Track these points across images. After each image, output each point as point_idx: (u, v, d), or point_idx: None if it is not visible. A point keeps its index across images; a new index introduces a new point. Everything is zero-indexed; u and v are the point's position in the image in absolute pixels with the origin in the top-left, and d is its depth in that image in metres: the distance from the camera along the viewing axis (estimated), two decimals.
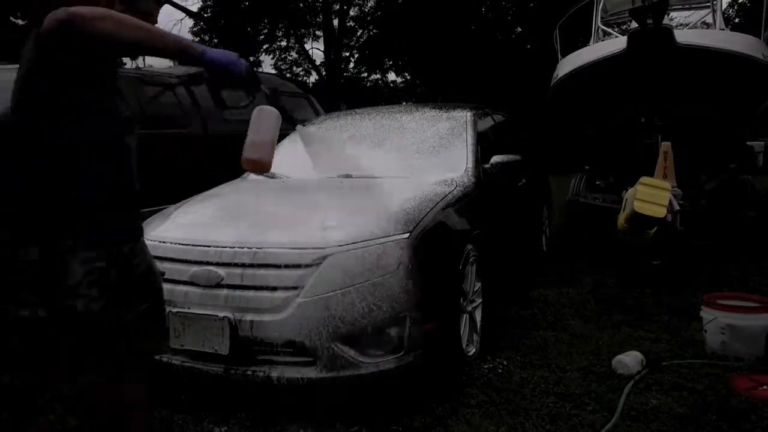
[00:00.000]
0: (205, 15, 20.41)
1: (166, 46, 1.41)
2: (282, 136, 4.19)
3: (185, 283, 2.49)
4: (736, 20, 20.02)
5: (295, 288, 2.34)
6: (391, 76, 22.97)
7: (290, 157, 3.71)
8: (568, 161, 8.15)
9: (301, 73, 22.73)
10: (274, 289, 2.37)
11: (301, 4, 20.40)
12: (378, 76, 23.05)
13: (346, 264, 2.37)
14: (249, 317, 2.34)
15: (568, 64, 5.69)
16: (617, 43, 5.06)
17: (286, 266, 2.39)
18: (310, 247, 2.42)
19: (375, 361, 2.34)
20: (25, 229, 1.44)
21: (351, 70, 22.40)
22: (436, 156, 3.46)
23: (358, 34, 21.95)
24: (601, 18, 6.85)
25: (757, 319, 2.87)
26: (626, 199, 3.68)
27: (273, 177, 3.55)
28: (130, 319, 1.51)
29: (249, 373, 2.35)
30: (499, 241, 3.56)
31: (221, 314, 2.36)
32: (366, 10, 21.54)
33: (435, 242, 2.62)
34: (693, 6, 7.66)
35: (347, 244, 2.41)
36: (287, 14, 20.02)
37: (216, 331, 2.37)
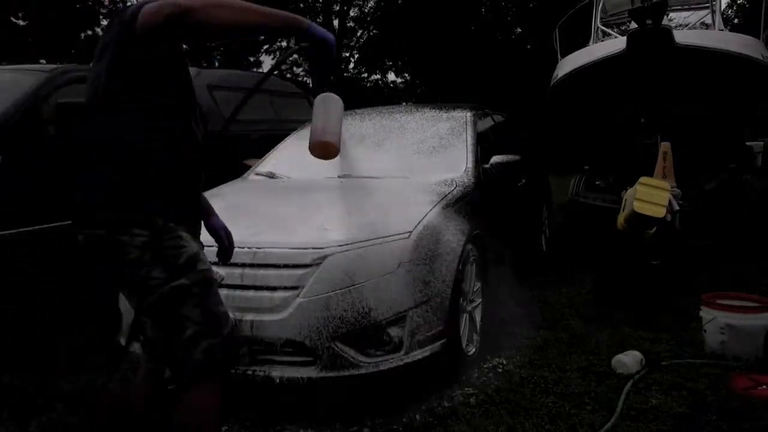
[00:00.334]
0: None
1: (280, 24, 1.36)
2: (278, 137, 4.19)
3: None
4: (735, 21, 20.01)
5: (295, 288, 2.35)
6: (391, 76, 22.98)
7: (290, 157, 3.71)
8: (568, 161, 8.15)
9: (301, 73, 22.73)
10: (274, 289, 2.37)
11: (301, 5, 20.38)
12: (378, 76, 23.05)
13: (346, 264, 2.37)
14: (249, 317, 2.34)
15: (568, 64, 5.69)
16: (617, 43, 5.06)
17: (286, 266, 2.39)
18: (310, 247, 2.42)
19: (375, 361, 2.34)
20: (124, 218, 1.42)
21: (351, 70, 22.40)
22: (436, 156, 3.46)
23: (358, 34, 21.95)
24: (601, 18, 6.85)
25: (757, 319, 2.87)
26: (626, 199, 3.68)
27: (273, 177, 3.56)
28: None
29: (249, 373, 2.35)
30: (499, 241, 3.56)
31: None
32: (366, 10, 21.56)
33: (435, 242, 2.62)
34: (692, 6, 7.66)
35: (347, 244, 2.42)
36: None
37: None
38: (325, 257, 2.37)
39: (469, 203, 3.09)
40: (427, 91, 20.38)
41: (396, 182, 3.14)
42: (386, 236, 2.47)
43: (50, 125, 3.34)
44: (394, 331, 2.37)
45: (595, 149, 6.20)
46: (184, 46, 1.54)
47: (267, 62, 22.19)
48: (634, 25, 5.18)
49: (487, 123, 4.23)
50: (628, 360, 2.74)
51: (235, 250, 2.56)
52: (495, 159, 3.54)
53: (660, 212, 3.40)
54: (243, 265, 2.43)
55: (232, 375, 2.38)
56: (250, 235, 2.54)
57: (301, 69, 22.07)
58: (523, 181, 4.44)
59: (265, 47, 21.64)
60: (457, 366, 2.73)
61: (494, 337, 3.17)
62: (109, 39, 1.41)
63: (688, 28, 7.29)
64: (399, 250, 2.44)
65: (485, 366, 2.85)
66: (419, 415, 2.38)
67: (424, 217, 2.63)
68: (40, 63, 11.51)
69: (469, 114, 3.88)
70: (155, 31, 1.29)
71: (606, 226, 4.12)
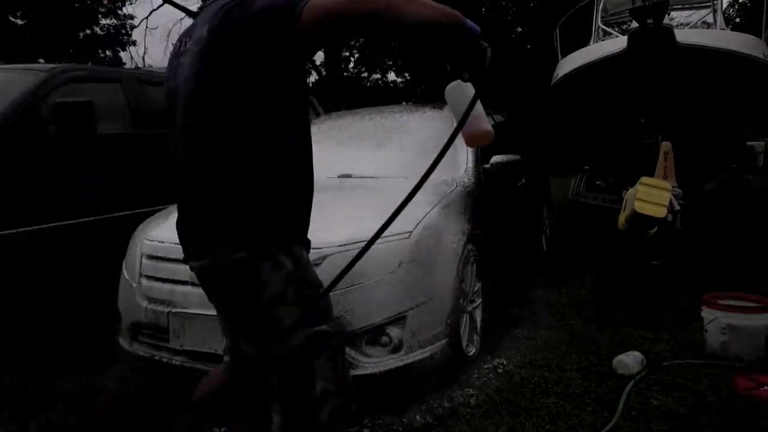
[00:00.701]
0: None
1: (449, 21, 1.22)
2: None
3: (185, 283, 2.48)
4: (737, 20, 20.01)
5: None
6: (391, 76, 22.97)
7: None
8: (568, 161, 8.15)
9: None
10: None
11: None
12: (378, 76, 23.03)
13: (345, 264, 2.36)
14: None
15: (568, 64, 5.69)
16: (617, 43, 5.06)
17: None
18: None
19: (375, 361, 2.34)
20: (272, 241, 1.30)
21: (351, 70, 22.37)
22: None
23: None
24: (601, 18, 6.86)
25: (758, 319, 2.86)
26: (626, 199, 3.68)
27: None
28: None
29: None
30: (500, 241, 3.56)
31: None
32: None
33: (435, 242, 2.61)
34: (693, 6, 7.66)
35: (347, 244, 2.41)
36: None
37: (216, 331, 2.35)
38: (324, 257, 2.37)
39: (470, 203, 3.08)
40: (427, 91, 20.37)
41: (396, 182, 3.13)
42: (386, 236, 2.45)
43: (49, 125, 3.34)
44: (394, 332, 2.37)
45: (596, 149, 6.20)
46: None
47: None
48: (635, 24, 5.18)
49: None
50: (629, 360, 2.74)
51: None
52: (495, 159, 3.54)
53: (661, 212, 3.40)
54: None
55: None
56: None
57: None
58: (523, 181, 4.44)
59: None
60: (457, 366, 2.72)
61: (494, 337, 3.16)
62: (244, 50, 1.23)
63: (690, 27, 7.27)
64: (399, 250, 2.44)
65: (485, 366, 2.84)
66: (419, 415, 2.38)
67: (424, 217, 2.62)
68: (39, 62, 11.52)
69: None
70: (330, 25, 1.16)
71: (606, 226, 4.11)
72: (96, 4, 18.05)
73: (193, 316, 2.42)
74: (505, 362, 2.89)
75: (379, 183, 3.15)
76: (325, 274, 2.34)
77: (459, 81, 1.41)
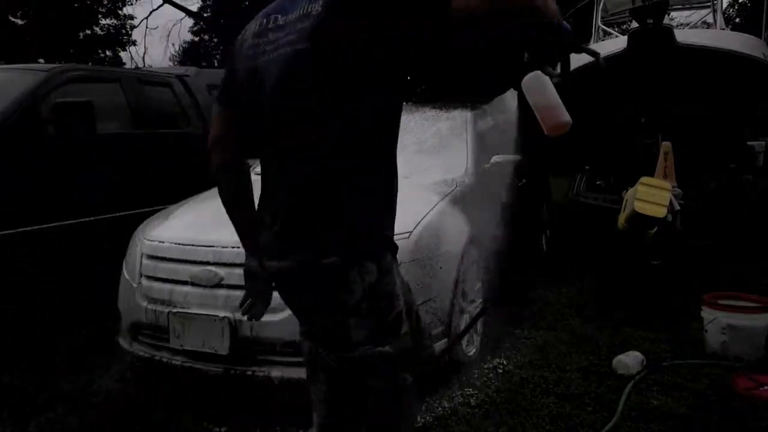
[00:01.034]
0: (205, 15, 20.39)
1: (551, 12, 1.12)
2: None
3: (185, 283, 2.49)
4: (737, 20, 19.99)
5: None
6: None
7: None
8: (568, 161, 8.13)
9: None
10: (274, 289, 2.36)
11: None
12: None
13: None
14: None
15: None
16: (617, 42, 5.05)
17: None
18: None
19: None
20: (364, 247, 1.25)
21: None
22: (436, 156, 3.45)
23: None
24: (601, 18, 6.85)
25: (758, 319, 2.86)
26: (627, 199, 3.67)
27: None
28: None
29: (249, 373, 2.35)
30: (500, 241, 3.55)
31: (221, 314, 2.36)
32: None
33: (435, 242, 2.61)
34: (693, 6, 7.65)
35: None
36: None
37: (216, 331, 2.37)
38: None
39: (470, 203, 3.08)
40: (427, 91, 20.36)
41: None
42: None
43: (49, 125, 3.34)
44: None
45: (596, 149, 6.18)
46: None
47: None
48: (635, 24, 5.17)
49: (487, 123, 4.22)
50: (629, 360, 2.74)
51: (236, 250, 2.56)
52: (495, 159, 3.53)
53: (661, 212, 3.40)
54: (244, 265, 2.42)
55: (232, 375, 2.39)
56: None
57: None
58: (523, 181, 4.43)
59: None
60: (458, 366, 2.72)
61: (494, 337, 3.16)
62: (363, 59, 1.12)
63: (690, 27, 7.27)
64: (399, 250, 2.43)
65: (485, 366, 2.85)
66: (419, 415, 2.37)
67: (424, 217, 2.62)
68: (39, 62, 11.52)
69: (469, 114, 3.87)
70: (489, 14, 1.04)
71: (606, 226, 4.11)
72: (96, 4, 18.04)
73: (193, 316, 2.42)
74: (505, 362, 2.89)
75: None
76: None
77: (538, 72, 1.42)
